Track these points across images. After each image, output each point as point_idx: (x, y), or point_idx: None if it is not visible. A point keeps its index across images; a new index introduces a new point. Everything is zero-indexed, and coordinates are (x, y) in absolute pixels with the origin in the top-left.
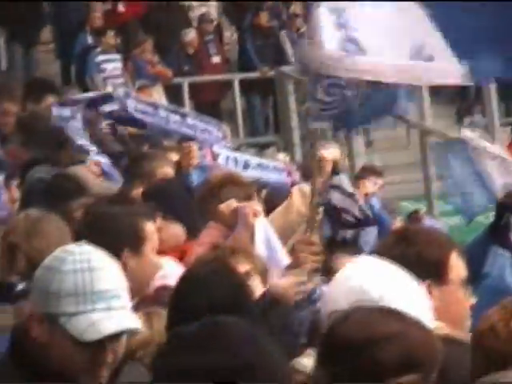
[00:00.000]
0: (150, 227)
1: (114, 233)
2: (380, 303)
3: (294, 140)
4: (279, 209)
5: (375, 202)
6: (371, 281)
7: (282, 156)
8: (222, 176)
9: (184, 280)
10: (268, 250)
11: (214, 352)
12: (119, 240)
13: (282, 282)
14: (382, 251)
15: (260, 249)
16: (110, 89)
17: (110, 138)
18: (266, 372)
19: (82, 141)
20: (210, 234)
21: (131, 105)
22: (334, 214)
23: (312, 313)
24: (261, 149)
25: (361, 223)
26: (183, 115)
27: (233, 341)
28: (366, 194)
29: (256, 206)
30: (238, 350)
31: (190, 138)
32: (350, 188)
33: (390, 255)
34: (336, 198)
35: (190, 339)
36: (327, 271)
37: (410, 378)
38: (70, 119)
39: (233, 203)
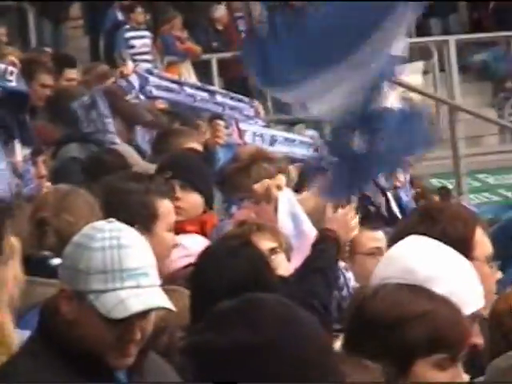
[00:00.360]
0: (164, 205)
1: (125, 208)
2: (425, 284)
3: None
4: (311, 191)
5: (403, 195)
6: (419, 261)
7: (310, 132)
8: (251, 152)
9: (202, 258)
10: (294, 222)
11: (237, 329)
12: (130, 216)
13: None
14: (406, 229)
15: (284, 221)
16: (131, 65)
17: (140, 108)
18: (293, 350)
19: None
20: (244, 214)
21: (154, 81)
22: (360, 201)
23: (340, 299)
24: (289, 125)
25: (384, 221)
26: (212, 92)
27: (259, 318)
28: (396, 187)
29: (279, 179)
30: (261, 327)
31: (218, 116)
32: (384, 184)
33: (414, 233)
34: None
35: (221, 316)
36: (349, 246)
37: (439, 356)
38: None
39: (266, 182)
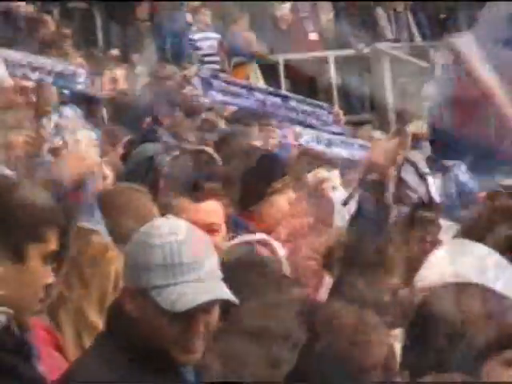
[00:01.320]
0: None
1: None
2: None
3: (389, 118)
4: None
5: (460, 171)
6: (460, 264)
7: (377, 134)
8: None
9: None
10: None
11: None
12: None
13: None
14: (480, 225)
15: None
16: (194, 68)
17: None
18: None
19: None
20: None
21: (218, 86)
22: (397, 186)
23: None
24: (356, 126)
25: (423, 206)
26: (285, 97)
27: None
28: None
29: (330, 180)
30: None
31: (290, 121)
32: (425, 169)
33: (481, 234)
34: (407, 172)
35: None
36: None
37: (509, 354)
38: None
39: (318, 173)
